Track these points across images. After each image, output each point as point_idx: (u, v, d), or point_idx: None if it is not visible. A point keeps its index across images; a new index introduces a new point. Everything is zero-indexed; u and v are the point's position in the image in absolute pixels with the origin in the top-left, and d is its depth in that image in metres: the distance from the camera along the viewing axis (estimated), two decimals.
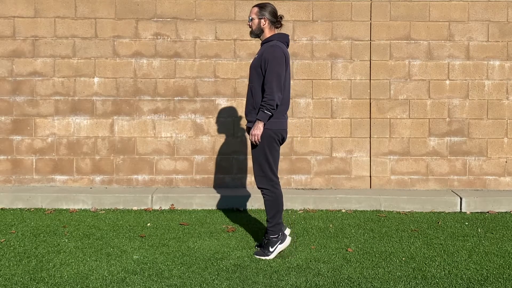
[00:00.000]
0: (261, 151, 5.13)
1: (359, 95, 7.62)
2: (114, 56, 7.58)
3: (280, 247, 5.20)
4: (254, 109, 5.14)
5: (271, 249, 5.16)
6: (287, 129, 5.27)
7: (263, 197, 5.21)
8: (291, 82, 7.42)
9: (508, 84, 7.62)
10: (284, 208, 6.94)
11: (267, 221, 5.23)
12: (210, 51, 7.60)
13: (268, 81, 5.02)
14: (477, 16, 7.60)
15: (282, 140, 5.23)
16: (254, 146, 5.16)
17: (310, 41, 7.61)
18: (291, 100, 7.36)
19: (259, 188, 5.21)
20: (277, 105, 5.04)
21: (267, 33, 5.25)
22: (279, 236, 5.19)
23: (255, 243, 5.57)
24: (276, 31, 5.31)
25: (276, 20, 5.24)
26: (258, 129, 5.04)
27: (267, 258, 5.12)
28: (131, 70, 7.59)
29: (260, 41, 5.31)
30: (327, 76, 7.62)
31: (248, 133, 5.18)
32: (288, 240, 5.26)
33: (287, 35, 5.29)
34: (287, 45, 5.27)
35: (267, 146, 5.11)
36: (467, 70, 7.61)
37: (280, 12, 7.37)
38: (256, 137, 5.05)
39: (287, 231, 5.37)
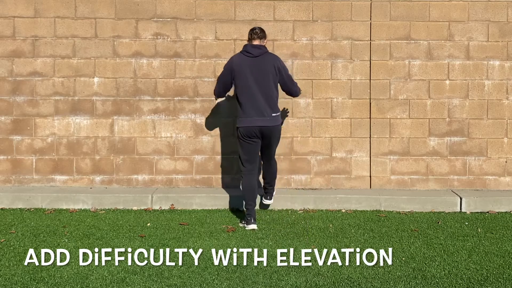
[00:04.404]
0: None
1: (359, 95, 7.62)
2: (114, 56, 7.58)
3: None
4: None
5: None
6: (255, 127, 6.18)
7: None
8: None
9: (508, 84, 7.62)
10: (284, 208, 7.05)
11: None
12: (210, 51, 7.60)
13: None
14: (477, 16, 7.60)
15: (247, 136, 6.23)
16: None
17: (310, 41, 7.61)
18: (290, 100, 7.38)
19: None
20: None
21: None
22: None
23: (255, 243, 5.57)
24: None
25: (249, 38, 6.38)
26: None
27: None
28: (131, 70, 7.59)
29: None
30: (327, 76, 7.62)
31: None
32: (252, 226, 6.17)
33: (247, 45, 6.31)
34: (249, 53, 6.23)
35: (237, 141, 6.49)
36: (467, 70, 7.61)
37: (280, 12, 7.49)
38: None
39: (253, 226, 6.18)
